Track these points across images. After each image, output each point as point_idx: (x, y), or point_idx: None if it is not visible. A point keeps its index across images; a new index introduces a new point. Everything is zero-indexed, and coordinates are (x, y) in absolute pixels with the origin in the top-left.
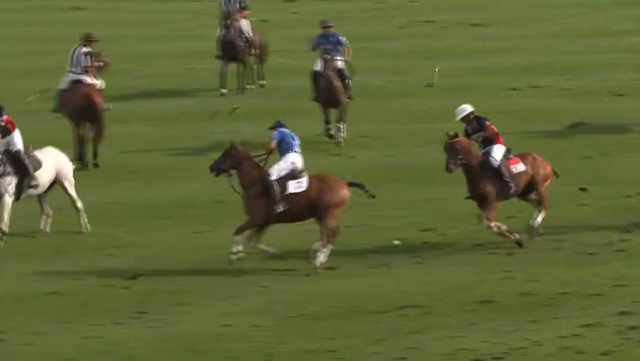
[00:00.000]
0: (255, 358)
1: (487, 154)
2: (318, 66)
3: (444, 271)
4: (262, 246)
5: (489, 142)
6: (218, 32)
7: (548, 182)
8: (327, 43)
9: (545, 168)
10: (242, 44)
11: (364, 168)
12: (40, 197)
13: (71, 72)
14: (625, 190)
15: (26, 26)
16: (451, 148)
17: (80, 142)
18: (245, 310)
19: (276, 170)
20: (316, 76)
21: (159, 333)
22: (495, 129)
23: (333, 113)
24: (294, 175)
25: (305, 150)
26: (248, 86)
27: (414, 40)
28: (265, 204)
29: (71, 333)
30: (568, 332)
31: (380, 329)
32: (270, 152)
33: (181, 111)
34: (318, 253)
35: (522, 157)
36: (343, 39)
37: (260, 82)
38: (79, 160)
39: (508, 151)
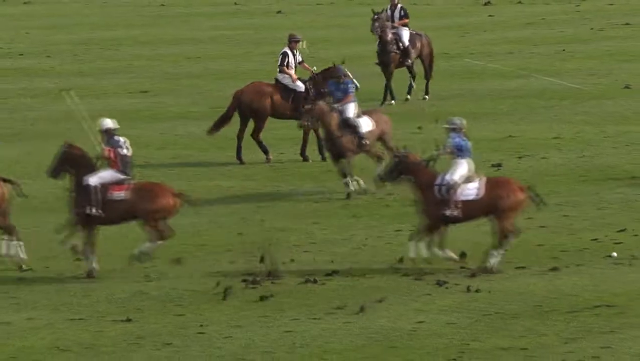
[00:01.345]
0: (448, 354)
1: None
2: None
3: (637, 271)
4: None
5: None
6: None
7: (162, 215)
8: (337, 91)
9: (162, 199)
10: (396, 53)
11: (557, 169)
12: None
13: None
14: None
15: (232, 29)
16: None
17: (238, 138)
18: (440, 308)
19: None
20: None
21: (355, 329)
22: (112, 154)
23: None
24: None
25: (489, 151)
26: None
27: (611, 43)
28: None
29: (270, 328)
30: None
31: (573, 328)
32: None
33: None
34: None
35: (137, 185)
36: (352, 87)
37: (425, 96)
38: (237, 157)
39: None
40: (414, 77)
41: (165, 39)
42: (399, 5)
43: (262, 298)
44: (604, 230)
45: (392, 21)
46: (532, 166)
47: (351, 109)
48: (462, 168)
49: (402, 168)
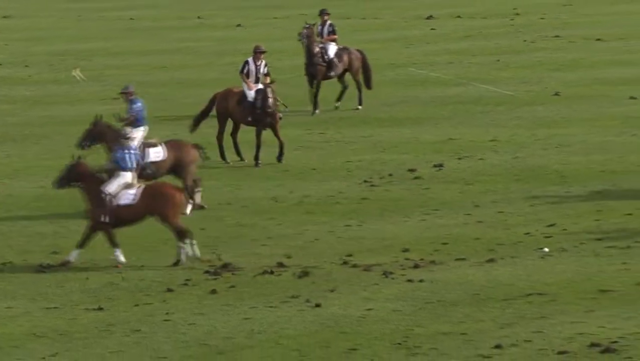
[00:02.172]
0: (394, 339)
1: None
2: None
3: (566, 262)
4: None
5: None
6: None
7: None
8: (129, 110)
9: None
10: (322, 66)
11: (493, 169)
12: None
13: None
14: None
15: (196, 41)
16: None
17: (218, 142)
18: (387, 296)
19: None
20: None
21: (308, 316)
22: None
23: None
24: None
25: (431, 153)
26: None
27: (542, 53)
28: None
29: (230, 315)
30: None
31: (508, 314)
32: None
33: (330, 116)
34: None
35: None
36: (137, 107)
37: (358, 107)
38: (221, 158)
39: None
40: (344, 88)
41: (134, 50)
42: (328, 22)
43: (225, 288)
44: (536, 225)
45: (321, 36)
46: (470, 166)
47: (138, 135)
48: (122, 178)
49: (72, 175)
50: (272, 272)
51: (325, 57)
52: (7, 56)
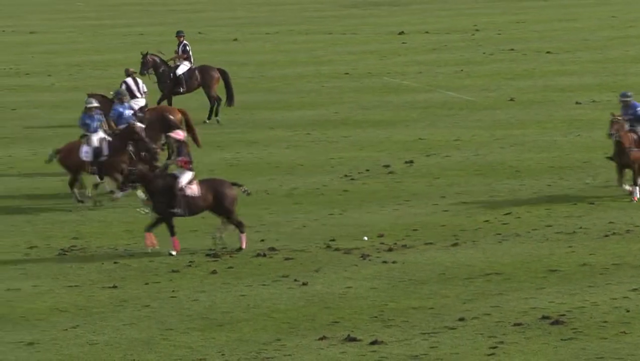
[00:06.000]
0: (371, 313)
1: None
2: None
3: (520, 246)
4: None
5: None
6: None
7: None
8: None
9: None
10: (168, 82)
11: (457, 165)
12: None
13: None
14: None
15: (196, 53)
16: None
17: None
18: (365, 276)
19: None
20: None
21: (296, 293)
22: None
23: None
24: None
25: (403, 151)
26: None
27: (499, 64)
28: None
29: (229, 292)
30: (619, 295)
31: (469, 291)
32: None
33: (315, 119)
34: None
35: None
36: None
37: (206, 120)
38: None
39: None
40: (213, 103)
41: None
42: (183, 42)
43: (224, 269)
44: (494, 213)
45: (177, 54)
46: (437, 162)
47: None
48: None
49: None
50: (265, 255)
51: (171, 75)
52: (32, 66)
